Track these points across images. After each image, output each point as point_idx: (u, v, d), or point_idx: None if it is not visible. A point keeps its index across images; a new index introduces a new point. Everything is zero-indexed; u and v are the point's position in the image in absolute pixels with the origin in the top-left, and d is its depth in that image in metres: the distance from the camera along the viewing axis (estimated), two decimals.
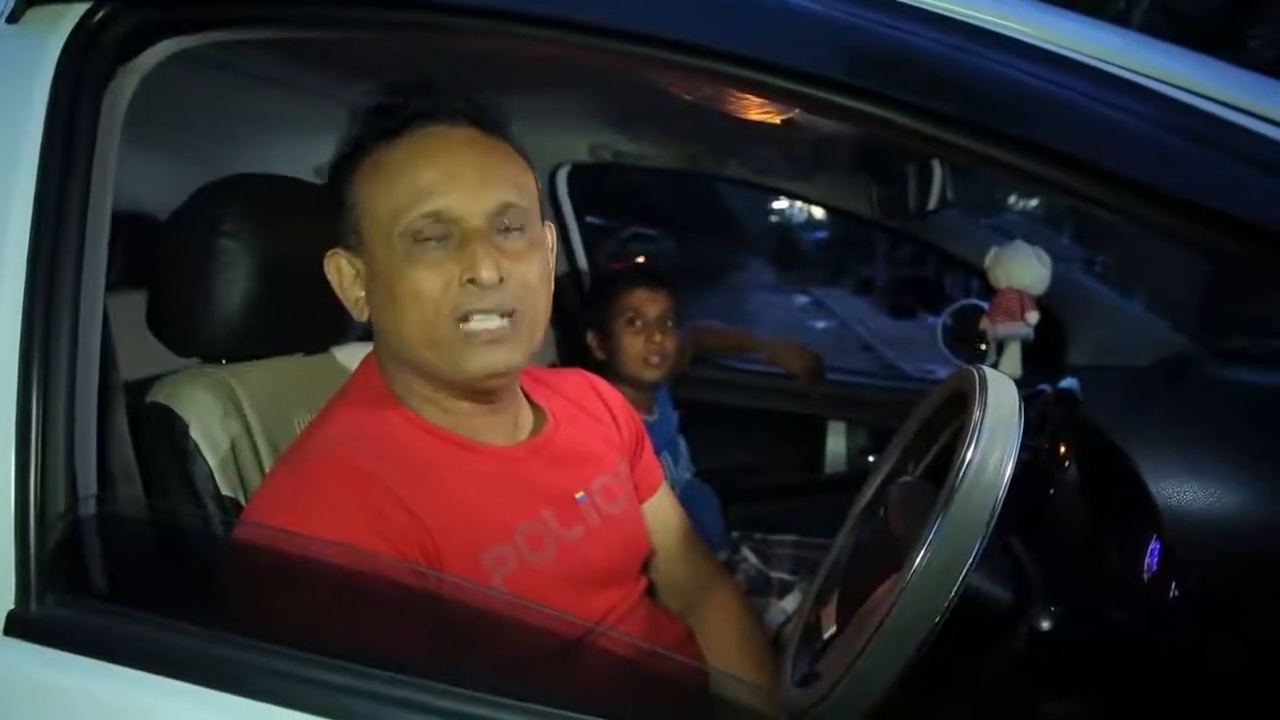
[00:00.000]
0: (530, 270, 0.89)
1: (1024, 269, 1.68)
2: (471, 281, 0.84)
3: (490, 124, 0.92)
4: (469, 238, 0.86)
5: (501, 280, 0.85)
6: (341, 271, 0.93)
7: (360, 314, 0.93)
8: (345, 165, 0.92)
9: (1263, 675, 0.69)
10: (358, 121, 0.92)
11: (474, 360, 0.86)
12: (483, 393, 0.92)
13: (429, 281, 0.85)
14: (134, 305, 1.04)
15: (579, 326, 1.88)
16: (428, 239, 0.86)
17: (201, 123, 1.39)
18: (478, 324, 0.86)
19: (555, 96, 1.67)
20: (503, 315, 0.87)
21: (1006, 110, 0.63)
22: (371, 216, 0.89)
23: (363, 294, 0.92)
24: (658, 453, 1.40)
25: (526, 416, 1.02)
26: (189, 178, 1.08)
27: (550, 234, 0.98)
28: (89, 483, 0.76)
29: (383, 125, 0.90)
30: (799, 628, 0.94)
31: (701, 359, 2.09)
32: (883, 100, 0.65)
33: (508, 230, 0.88)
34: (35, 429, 0.72)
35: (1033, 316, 1.66)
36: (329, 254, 0.93)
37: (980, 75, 0.64)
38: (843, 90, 0.65)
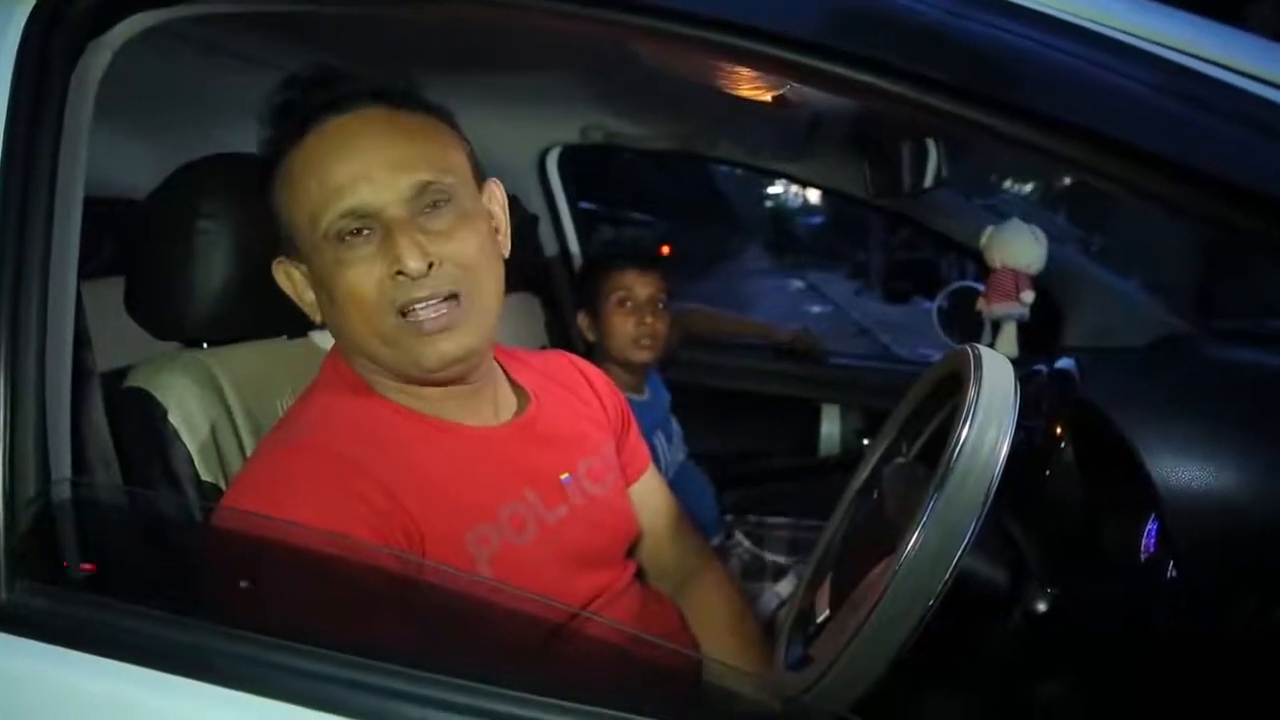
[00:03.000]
0: (464, 247, 0.85)
1: (1019, 247, 1.66)
2: (400, 274, 0.82)
3: (400, 99, 0.87)
4: (390, 228, 0.82)
5: (432, 266, 0.82)
6: (291, 278, 0.91)
7: (316, 317, 0.91)
8: (267, 175, 0.89)
9: (1260, 656, 0.68)
10: (268, 126, 0.89)
11: (427, 353, 0.84)
12: (448, 380, 0.90)
13: (361, 280, 0.83)
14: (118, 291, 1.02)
15: (570, 308, 1.87)
16: (351, 237, 0.83)
17: (178, 102, 1.37)
18: (422, 314, 0.83)
19: (545, 76, 1.65)
20: (444, 300, 0.84)
21: (1003, 76, 0.61)
22: (295, 224, 0.87)
23: (313, 299, 0.90)
24: (650, 435, 1.39)
25: (508, 396, 1.00)
26: (165, 158, 1.05)
27: (498, 191, 0.95)
28: (62, 467, 0.74)
29: (289, 128, 0.86)
30: (792, 611, 0.93)
31: (691, 342, 2.09)
32: (874, 66, 0.63)
33: (434, 209, 0.84)
34: (3, 412, 0.70)
35: (1028, 296, 1.65)
36: (275, 263, 0.91)
37: (975, 39, 0.62)
38: (832, 56, 0.63)
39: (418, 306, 0.83)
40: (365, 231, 0.83)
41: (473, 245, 0.86)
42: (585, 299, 1.80)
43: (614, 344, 1.73)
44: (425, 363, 0.85)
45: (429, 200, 0.84)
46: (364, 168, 0.83)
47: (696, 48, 0.68)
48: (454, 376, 0.89)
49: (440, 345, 0.84)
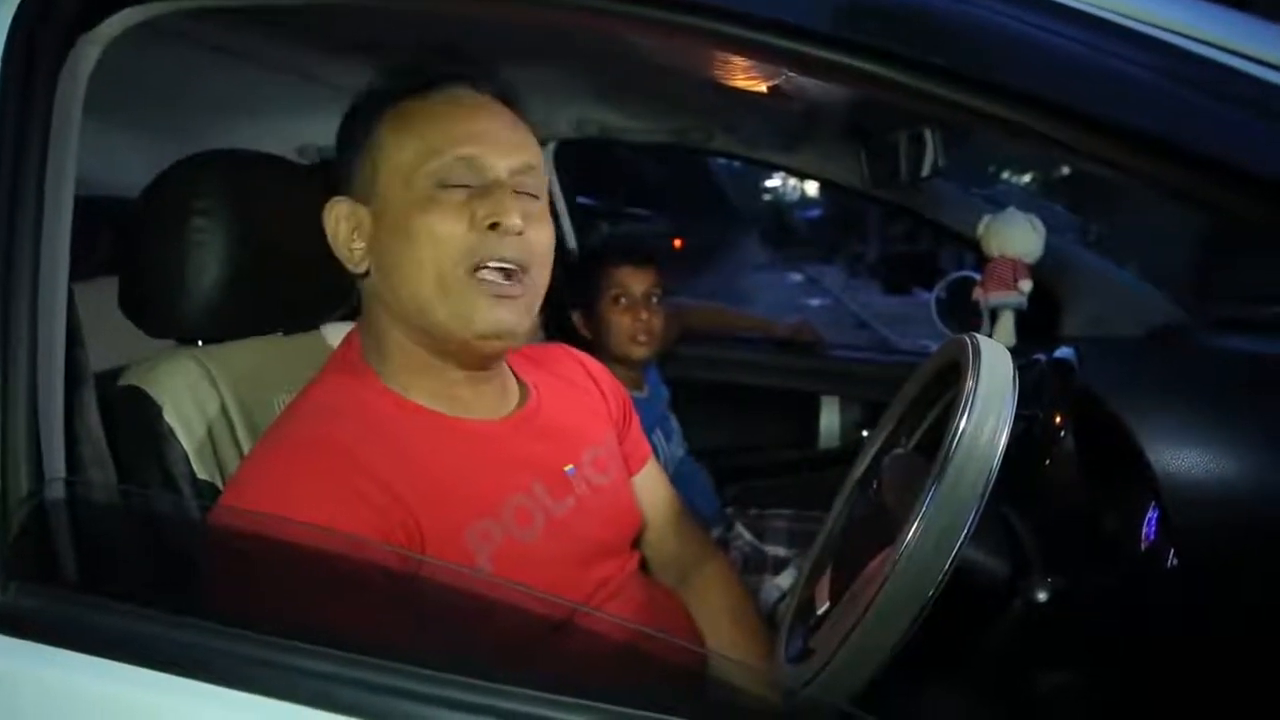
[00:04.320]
0: (544, 234, 0.90)
1: (1017, 236, 1.66)
2: (494, 227, 0.84)
3: (511, 98, 0.94)
4: (494, 186, 0.86)
5: (521, 233, 0.85)
6: (341, 221, 0.91)
7: (358, 265, 0.91)
8: (366, 112, 0.91)
9: (1262, 643, 0.68)
10: (383, 74, 0.92)
11: (482, 314, 0.85)
12: (481, 357, 0.90)
13: (448, 223, 0.84)
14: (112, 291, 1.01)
15: (565, 305, 1.86)
16: (454, 185, 0.86)
17: (169, 98, 1.36)
18: (489, 276, 0.85)
19: (539, 69, 1.64)
20: (515, 270, 0.86)
21: (1005, 62, 0.61)
22: (393, 160, 0.88)
23: (362, 245, 0.90)
24: (649, 431, 1.39)
25: (511, 390, 1.00)
26: (158, 155, 1.05)
27: None
28: (56, 467, 0.74)
29: (413, 81, 0.90)
30: (793, 604, 0.93)
31: (689, 338, 2.08)
32: (874, 53, 0.62)
33: (527, 193, 0.89)
34: None
35: (1026, 285, 1.64)
36: (329, 203, 0.91)
37: (976, 25, 0.61)
38: (829, 44, 0.63)
39: (492, 264, 0.85)
40: (468, 186, 0.86)
41: (548, 238, 0.90)
42: (580, 297, 1.79)
43: (611, 341, 1.72)
44: (477, 324, 0.85)
45: (528, 182, 0.89)
46: (487, 129, 0.88)
47: (693, 38, 0.68)
48: (489, 352, 0.90)
49: (497, 311, 0.85)
